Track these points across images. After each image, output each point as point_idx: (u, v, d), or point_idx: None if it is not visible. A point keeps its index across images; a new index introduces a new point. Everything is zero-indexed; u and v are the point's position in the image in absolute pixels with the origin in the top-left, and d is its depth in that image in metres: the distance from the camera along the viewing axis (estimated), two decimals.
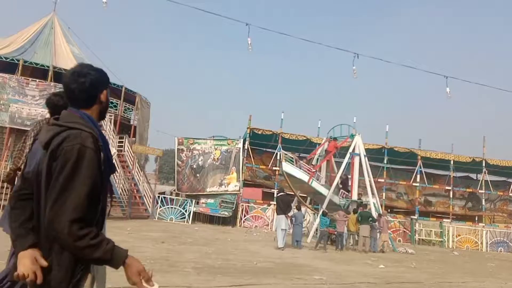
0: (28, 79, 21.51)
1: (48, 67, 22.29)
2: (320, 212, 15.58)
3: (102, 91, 1.91)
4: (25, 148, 2.72)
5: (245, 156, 23.02)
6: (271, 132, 23.57)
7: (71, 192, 1.61)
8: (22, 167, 2.14)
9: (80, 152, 1.65)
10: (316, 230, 16.60)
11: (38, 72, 22.65)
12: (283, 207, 13.34)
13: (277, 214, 13.51)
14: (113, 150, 18.27)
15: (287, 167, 16.38)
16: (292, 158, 16.93)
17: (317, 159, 18.61)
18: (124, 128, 24.74)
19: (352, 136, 17.66)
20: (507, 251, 21.92)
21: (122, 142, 21.37)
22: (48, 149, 1.70)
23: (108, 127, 21.15)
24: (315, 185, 16.45)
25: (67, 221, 1.59)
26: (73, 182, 1.62)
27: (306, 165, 16.96)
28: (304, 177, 16.32)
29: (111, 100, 23.62)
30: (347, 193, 17.35)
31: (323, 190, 16.65)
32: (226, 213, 20.96)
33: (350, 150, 17.27)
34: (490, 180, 25.10)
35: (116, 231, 13.32)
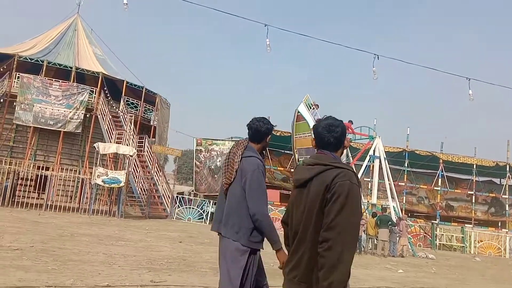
0: (52, 80, 22.00)
1: (71, 68, 22.74)
2: None
3: (345, 139, 2.43)
4: (234, 164, 3.28)
5: (263, 157, 23.00)
6: (289, 134, 23.49)
7: (343, 217, 2.09)
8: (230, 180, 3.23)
9: (350, 187, 2.13)
10: None
11: (61, 72, 23.16)
12: None
13: None
14: (133, 150, 18.51)
15: (302, 108, 15.98)
16: (312, 104, 16.49)
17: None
18: (144, 129, 25.06)
19: (372, 138, 17.47)
20: None
21: (142, 142, 21.64)
22: (307, 185, 2.27)
23: (128, 127, 21.46)
24: None
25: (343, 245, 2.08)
26: (345, 209, 2.10)
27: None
28: (312, 123, 15.75)
29: (131, 101, 24.02)
30: None
31: None
32: None
33: (370, 152, 17.08)
34: None
35: (134, 230, 13.51)
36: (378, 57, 13.36)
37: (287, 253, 2.56)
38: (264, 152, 3.43)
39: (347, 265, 2.07)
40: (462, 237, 21.45)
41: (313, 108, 16.32)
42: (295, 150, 16.84)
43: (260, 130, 3.39)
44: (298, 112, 15.98)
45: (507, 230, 23.42)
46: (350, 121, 17.61)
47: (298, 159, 16.99)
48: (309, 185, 2.24)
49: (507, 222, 25.09)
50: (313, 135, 2.41)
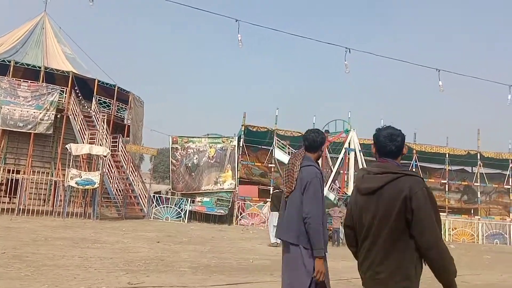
0: (20, 80, 21.37)
1: (40, 67, 22.13)
2: None
3: (404, 146, 2.61)
4: (294, 174, 3.53)
5: (240, 153, 22.99)
6: (266, 129, 23.53)
7: (432, 220, 2.39)
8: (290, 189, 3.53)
9: (427, 192, 2.40)
10: None
11: (29, 73, 22.51)
12: (277, 204, 13.37)
13: (272, 210, 13.52)
14: (107, 150, 18.18)
15: (279, 154, 16.42)
16: (285, 145, 16.91)
17: None
18: (118, 128, 24.66)
19: (347, 131, 17.69)
20: (503, 243, 22.05)
21: (116, 142, 21.28)
22: (376, 192, 2.45)
23: (101, 127, 21.05)
24: (331, 196, 16.56)
25: (437, 240, 2.43)
26: (432, 214, 2.39)
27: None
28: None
29: (103, 100, 23.57)
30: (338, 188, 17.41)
31: None
32: (222, 211, 20.94)
33: (346, 145, 17.29)
34: (485, 173, 25.22)
35: (110, 231, 13.29)
36: (349, 51, 13.49)
37: (323, 261, 3.31)
38: (318, 161, 3.74)
39: (451, 260, 2.45)
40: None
41: (287, 146, 16.82)
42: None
43: (315, 141, 3.68)
44: (277, 159, 16.51)
45: (480, 217, 24.14)
46: (326, 131, 17.84)
47: None
48: (379, 192, 2.43)
49: (479, 209, 25.84)
50: (373, 143, 2.61)
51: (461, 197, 27.64)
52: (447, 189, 25.40)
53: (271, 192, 22.50)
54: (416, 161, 24.42)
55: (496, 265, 12.64)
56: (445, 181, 25.14)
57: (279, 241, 12.48)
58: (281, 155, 16.28)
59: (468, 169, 27.98)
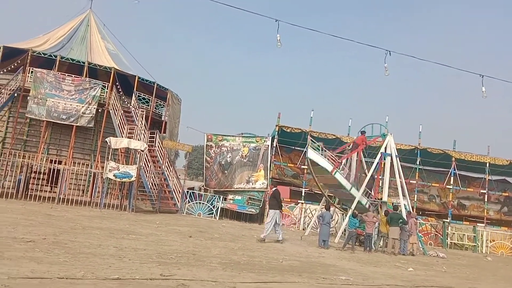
0: (65, 75, 22.24)
1: (84, 63, 22.94)
2: (350, 213, 15.35)
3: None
4: None
5: (273, 153, 23.00)
6: (300, 130, 23.42)
7: None
8: None
9: None
10: (344, 230, 16.43)
11: (74, 67, 23.39)
12: (277, 203, 13.39)
13: (274, 209, 13.27)
14: (144, 145, 18.63)
15: (312, 154, 16.13)
16: (319, 146, 16.65)
17: (347, 158, 18.37)
18: (155, 124, 25.21)
19: (384, 136, 17.30)
20: None
21: (153, 137, 21.76)
22: None
23: (139, 123, 21.60)
24: (338, 176, 16.03)
25: None
26: None
27: (332, 155, 16.66)
28: (328, 166, 15.98)
29: (143, 96, 24.16)
30: (370, 192, 17.02)
31: (346, 183, 16.21)
32: (253, 210, 21.02)
33: (382, 150, 16.94)
34: None
35: (145, 224, 13.63)
36: (390, 53, 13.29)
37: None
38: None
39: None
40: (474, 236, 21.23)
41: (322, 149, 16.52)
42: (319, 184, 17.07)
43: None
44: (310, 159, 16.24)
45: None
46: (363, 132, 17.49)
47: (327, 194, 17.49)
48: None
49: None
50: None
51: (501, 209, 26.52)
52: (486, 200, 24.45)
53: (303, 193, 22.44)
54: (455, 169, 23.63)
55: None
56: (485, 191, 24.21)
57: (266, 236, 12.45)
58: (314, 155, 16.05)
59: (510, 179, 26.83)
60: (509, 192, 25.17)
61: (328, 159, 16.23)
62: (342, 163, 16.66)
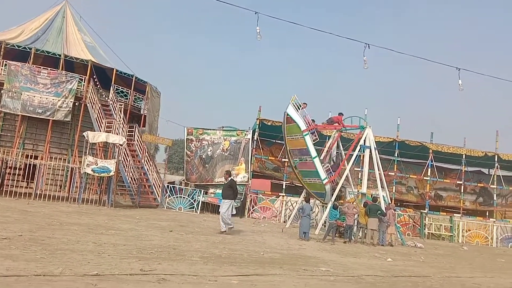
0: (40, 68, 21.69)
1: (60, 55, 22.44)
2: (330, 204, 15.50)
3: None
4: None
5: (254, 147, 23.00)
6: (280, 124, 23.37)
7: None
8: None
9: None
10: (325, 222, 16.59)
11: (49, 60, 22.84)
12: (233, 193, 12.94)
13: (229, 198, 12.68)
14: (123, 139, 18.38)
15: (291, 110, 15.92)
16: (300, 105, 16.51)
17: (326, 151, 18.52)
18: (134, 118, 24.91)
19: (363, 128, 17.49)
20: None
21: (132, 131, 21.49)
22: None
23: (117, 116, 21.28)
24: (308, 139, 15.80)
25: None
26: None
27: (309, 119, 16.57)
28: (302, 125, 15.84)
29: (121, 89, 23.80)
30: (332, 172, 16.99)
31: (312, 149, 16.03)
32: (234, 203, 21.01)
33: (361, 142, 17.13)
34: (502, 175, 24.75)
35: (124, 219, 13.48)
36: (369, 46, 13.38)
37: None
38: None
39: None
40: (451, 226, 21.74)
41: (302, 108, 16.29)
42: (289, 151, 16.84)
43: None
44: (287, 114, 15.93)
45: (495, 220, 23.74)
46: (341, 114, 17.64)
47: (293, 161, 17.02)
48: None
49: (495, 212, 25.43)
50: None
51: (476, 199, 27.23)
52: (462, 190, 25.04)
53: (284, 186, 22.52)
54: (432, 161, 24.07)
55: (510, 268, 12.46)
56: (461, 182, 24.79)
57: (226, 229, 12.29)
58: (293, 112, 15.75)
59: (485, 171, 27.55)
60: (484, 183, 25.81)
61: (304, 120, 16.14)
62: (315, 132, 16.57)
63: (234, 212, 13.01)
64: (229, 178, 13.29)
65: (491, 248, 20.55)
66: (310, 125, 16.14)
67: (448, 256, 14.18)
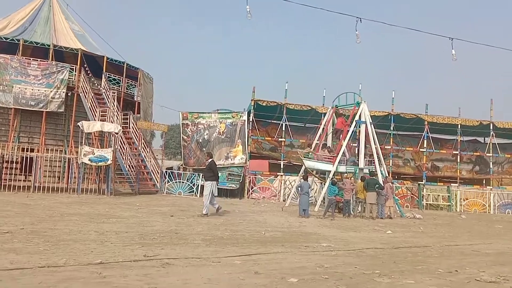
0: (30, 59, 21.40)
1: (49, 46, 22.12)
2: (328, 181, 15.61)
3: None
4: None
5: (250, 128, 22.99)
6: (275, 104, 23.42)
7: None
8: None
9: None
10: (324, 198, 16.71)
11: (39, 51, 22.52)
12: (214, 175, 12.77)
13: (210, 180, 12.54)
14: (118, 127, 18.30)
15: (309, 163, 16.61)
16: (308, 153, 17.02)
17: (322, 128, 18.55)
18: (128, 105, 24.74)
19: (358, 104, 17.49)
20: None
21: (126, 119, 21.38)
22: None
23: (111, 104, 21.13)
24: (341, 168, 16.77)
25: None
26: None
27: (324, 153, 17.01)
28: (328, 167, 16.70)
29: (113, 77, 23.57)
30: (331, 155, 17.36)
31: (344, 169, 16.94)
32: (233, 185, 21.13)
33: (356, 118, 17.15)
34: (497, 143, 24.93)
35: (125, 207, 13.53)
36: (360, 20, 13.25)
37: None
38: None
39: None
40: (448, 196, 21.96)
41: (312, 148, 17.13)
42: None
43: None
44: (308, 168, 16.77)
45: (491, 187, 24.01)
46: (336, 106, 17.89)
47: None
48: None
49: (491, 180, 25.70)
50: None
51: (473, 168, 27.46)
52: (458, 160, 25.22)
53: (281, 166, 22.62)
54: (427, 133, 24.18)
55: (507, 234, 12.65)
56: (457, 152, 24.95)
57: (209, 212, 12.15)
58: (311, 163, 16.98)
59: (481, 139, 27.68)
60: (480, 152, 26.01)
61: (323, 160, 16.69)
62: (339, 156, 16.85)
63: (216, 194, 12.76)
64: (209, 160, 13.12)
65: (488, 215, 20.81)
66: (332, 159, 16.77)
67: (446, 225, 14.37)
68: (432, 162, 26.90)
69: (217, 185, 12.80)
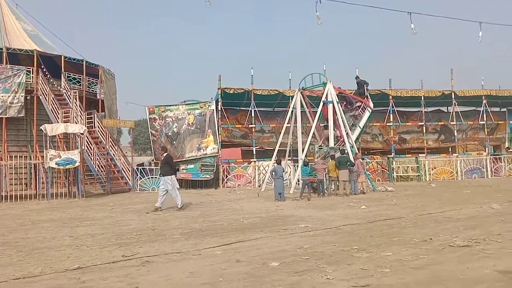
0: None
1: (1, 49, 21.17)
2: (301, 163, 15.75)
3: None
4: None
5: (220, 117, 22.84)
6: (242, 90, 23.32)
7: None
8: None
9: None
10: (298, 180, 16.89)
11: None
12: (171, 168, 12.52)
13: (167, 175, 12.26)
14: (83, 128, 17.82)
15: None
16: (321, 146, 17.51)
17: (292, 112, 18.65)
18: (91, 104, 24.10)
19: (324, 84, 17.67)
20: (481, 177, 22.93)
21: (91, 118, 20.84)
22: None
23: (73, 105, 20.49)
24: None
25: None
26: None
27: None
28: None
29: (73, 76, 22.85)
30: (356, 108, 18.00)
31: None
32: (207, 176, 21.04)
33: (323, 98, 17.33)
34: (460, 111, 25.76)
35: (98, 208, 13.27)
36: (320, 1, 13.26)
37: None
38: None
39: None
40: (417, 166, 22.60)
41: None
42: None
43: None
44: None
45: (457, 154, 24.87)
46: (303, 88, 18.16)
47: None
48: None
49: (457, 147, 26.57)
50: None
51: (438, 137, 28.30)
52: (424, 131, 25.93)
53: (254, 152, 22.66)
54: (393, 107, 24.69)
55: (475, 198, 13.18)
56: (422, 123, 25.62)
57: (161, 205, 12.07)
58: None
59: (444, 109, 28.49)
60: (444, 121, 26.79)
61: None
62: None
63: (178, 186, 12.58)
64: (164, 154, 12.83)
65: (456, 182, 21.59)
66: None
67: (418, 195, 14.82)
68: (399, 135, 27.55)
69: (176, 177, 12.55)
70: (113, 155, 20.22)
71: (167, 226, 9.14)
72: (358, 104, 19.55)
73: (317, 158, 16.77)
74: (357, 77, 20.90)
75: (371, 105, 19.66)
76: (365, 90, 20.01)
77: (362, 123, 19.20)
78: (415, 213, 10.13)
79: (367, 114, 19.26)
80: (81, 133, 17.61)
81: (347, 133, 17.27)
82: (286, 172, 18.49)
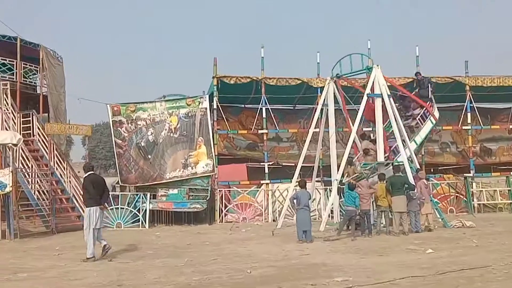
0: None
1: None
2: (346, 187, 15.34)
3: None
4: None
5: (216, 119, 22.73)
6: (249, 80, 23.01)
7: None
8: None
9: None
10: (331, 211, 16.85)
11: None
12: (96, 194, 12.20)
13: (88, 206, 12.14)
14: (17, 136, 17.96)
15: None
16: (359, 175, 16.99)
17: (322, 109, 18.67)
18: (29, 101, 24.22)
19: (369, 70, 17.57)
20: None
21: (28, 122, 21.01)
22: None
23: (3, 103, 20.62)
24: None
25: None
26: None
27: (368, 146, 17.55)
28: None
29: (1, 61, 22.91)
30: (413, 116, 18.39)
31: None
32: (198, 205, 20.97)
33: (367, 90, 17.26)
34: None
35: (39, 253, 13.34)
36: None
37: None
38: None
39: None
40: (509, 190, 22.38)
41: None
42: None
43: None
44: None
45: None
46: (337, 75, 18.41)
47: None
48: None
49: None
50: None
51: None
52: None
53: (266, 170, 22.47)
54: (471, 102, 24.23)
55: None
56: None
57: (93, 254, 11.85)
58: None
59: None
60: None
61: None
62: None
63: (99, 225, 12.18)
64: (86, 175, 12.46)
65: None
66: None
67: (510, 233, 14.65)
68: (482, 144, 27.22)
69: (103, 210, 12.34)
70: (60, 175, 20.34)
71: (139, 281, 9.14)
72: (416, 110, 19.41)
73: (356, 178, 16.58)
74: (417, 74, 20.88)
75: (437, 114, 19.52)
76: (429, 91, 19.92)
77: (421, 137, 19.11)
78: (507, 260, 10.02)
79: (428, 126, 19.16)
80: (13, 144, 17.73)
81: (403, 141, 17.15)
82: (314, 199, 18.47)
